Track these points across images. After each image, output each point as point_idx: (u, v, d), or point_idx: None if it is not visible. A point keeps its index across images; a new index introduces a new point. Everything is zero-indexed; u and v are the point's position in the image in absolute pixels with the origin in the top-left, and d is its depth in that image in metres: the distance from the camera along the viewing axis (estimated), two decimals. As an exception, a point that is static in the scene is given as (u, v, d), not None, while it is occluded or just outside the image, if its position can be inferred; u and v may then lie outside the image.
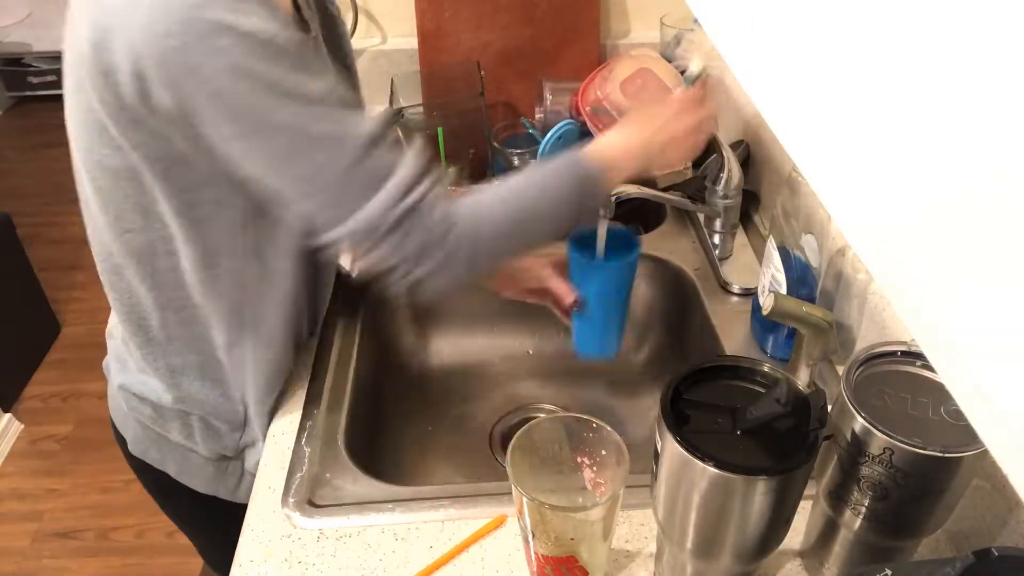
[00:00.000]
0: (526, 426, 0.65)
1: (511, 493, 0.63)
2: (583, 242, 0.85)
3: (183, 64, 0.61)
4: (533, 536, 0.64)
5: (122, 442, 0.98)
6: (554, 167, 0.76)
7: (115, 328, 0.92)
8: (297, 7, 0.80)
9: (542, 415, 0.88)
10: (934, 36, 0.21)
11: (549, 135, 1.22)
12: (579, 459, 0.68)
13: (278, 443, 0.86)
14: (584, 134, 1.25)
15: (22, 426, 2.19)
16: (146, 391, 0.90)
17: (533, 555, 0.66)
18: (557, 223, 0.76)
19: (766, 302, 0.78)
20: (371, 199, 0.67)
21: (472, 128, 1.27)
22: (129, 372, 0.91)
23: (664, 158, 0.83)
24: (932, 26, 0.21)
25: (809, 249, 0.86)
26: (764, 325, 0.95)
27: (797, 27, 0.29)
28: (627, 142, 0.80)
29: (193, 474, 0.95)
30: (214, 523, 1.01)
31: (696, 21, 1.19)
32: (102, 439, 2.17)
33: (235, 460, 0.94)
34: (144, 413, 0.92)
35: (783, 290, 0.89)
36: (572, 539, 0.63)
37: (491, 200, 0.73)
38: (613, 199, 1.00)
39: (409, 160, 0.69)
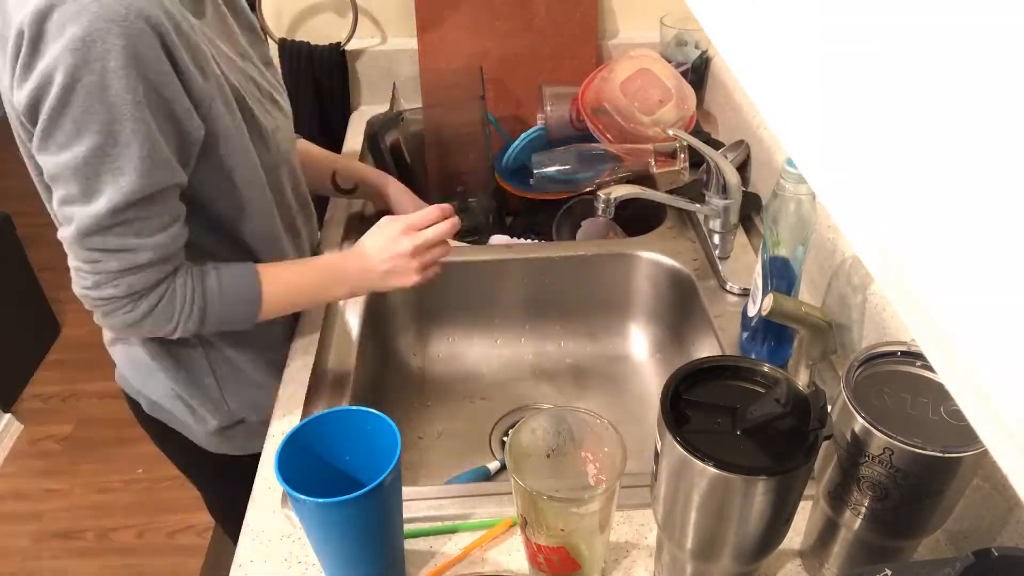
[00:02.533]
0: (528, 416, 0.65)
1: (511, 492, 0.64)
2: (296, 463, 0.65)
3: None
4: (527, 524, 0.64)
5: (134, 405, 1.04)
6: (240, 277, 0.85)
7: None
8: None
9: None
10: (939, 26, 0.21)
11: (517, 141, 1.23)
12: (584, 454, 0.68)
13: (278, 443, 0.86)
14: (553, 143, 1.25)
15: (22, 426, 2.19)
16: (146, 386, 0.99)
17: (527, 542, 0.67)
18: (229, 325, 0.88)
19: (765, 303, 0.78)
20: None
21: (473, 132, 1.27)
22: (135, 366, 0.98)
23: (385, 284, 0.90)
24: (933, 16, 0.21)
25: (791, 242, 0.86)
26: (749, 338, 0.95)
27: (797, 24, 0.29)
28: (319, 274, 0.91)
29: (200, 439, 1.02)
30: (225, 476, 1.06)
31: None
32: (102, 439, 2.17)
33: (235, 426, 1.00)
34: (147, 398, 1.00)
35: (759, 293, 0.89)
36: (562, 530, 0.63)
37: (190, 301, 0.82)
38: (614, 199, 1.00)
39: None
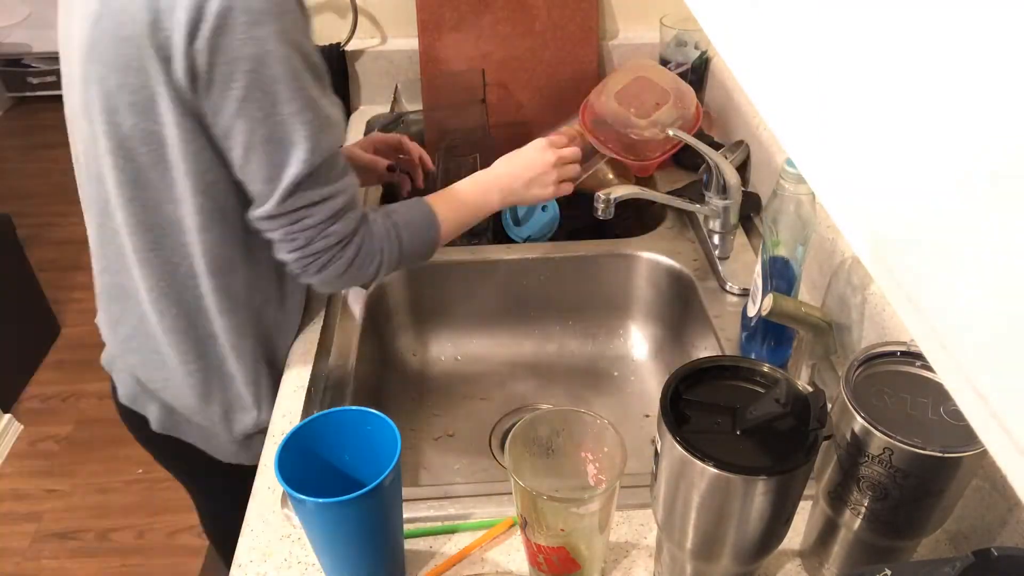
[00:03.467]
0: (528, 416, 0.66)
1: (511, 492, 0.64)
2: (294, 462, 0.65)
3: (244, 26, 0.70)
4: (527, 524, 0.64)
5: (140, 422, 1.02)
6: (411, 223, 0.90)
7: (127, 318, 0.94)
8: None
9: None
10: (933, 29, 0.21)
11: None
12: (583, 454, 0.68)
13: (278, 443, 0.86)
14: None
15: (22, 426, 2.19)
16: (168, 390, 0.96)
17: (527, 542, 0.67)
18: (416, 260, 0.93)
19: (765, 303, 0.78)
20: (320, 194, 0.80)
21: (474, 134, 1.27)
22: (152, 367, 0.96)
23: (528, 194, 0.99)
24: (932, 18, 0.21)
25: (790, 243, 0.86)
26: (749, 338, 0.95)
27: (797, 24, 0.29)
28: (474, 187, 0.97)
29: (216, 449, 1.01)
30: (234, 490, 1.03)
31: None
32: (102, 439, 2.17)
33: (259, 435, 0.97)
34: (165, 403, 0.98)
35: (759, 293, 0.89)
36: (562, 530, 0.63)
37: (387, 235, 0.87)
38: (613, 199, 1.00)
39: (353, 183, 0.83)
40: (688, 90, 1.26)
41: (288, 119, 0.75)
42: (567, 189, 1.01)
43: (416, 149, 1.17)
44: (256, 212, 0.80)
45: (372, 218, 0.86)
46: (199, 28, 0.70)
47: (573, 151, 1.01)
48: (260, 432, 0.97)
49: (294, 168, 0.77)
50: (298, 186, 0.78)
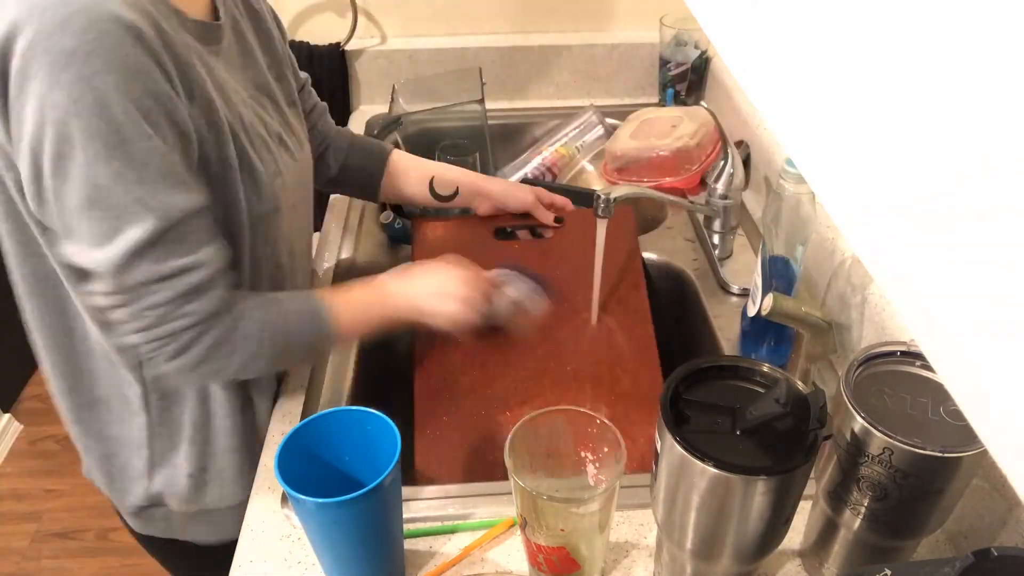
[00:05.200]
0: (527, 417, 0.66)
1: (511, 492, 0.64)
2: (296, 462, 0.65)
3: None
4: (527, 524, 0.64)
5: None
6: (299, 314, 0.79)
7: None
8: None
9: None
10: (935, 28, 0.21)
11: None
12: (583, 454, 0.68)
13: (278, 444, 0.86)
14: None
15: (21, 426, 2.19)
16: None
17: (527, 542, 0.67)
18: (295, 359, 0.90)
19: (765, 303, 0.78)
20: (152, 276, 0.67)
21: (474, 134, 1.27)
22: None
23: (429, 310, 0.88)
24: (933, 17, 0.21)
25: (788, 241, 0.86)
26: (750, 338, 0.95)
27: (796, 24, 0.29)
28: (370, 296, 0.86)
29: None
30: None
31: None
32: (102, 439, 2.17)
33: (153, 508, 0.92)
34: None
35: (759, 293, 0.89)
36: (562, 530, 0.63)
37: (252, 327, 0.74)
38: (612, 199, 1.00)
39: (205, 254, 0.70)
40: (698, 109, 1.26)
41: (114, 178, 0.63)
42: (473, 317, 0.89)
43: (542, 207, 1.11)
44: (90, 288, 0.69)
45: (245, 303, 0.74)
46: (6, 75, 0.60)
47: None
48: (157, 506, 0.90)
49: (130, 235, 0.64)
50: (139, 256, 0.65)
